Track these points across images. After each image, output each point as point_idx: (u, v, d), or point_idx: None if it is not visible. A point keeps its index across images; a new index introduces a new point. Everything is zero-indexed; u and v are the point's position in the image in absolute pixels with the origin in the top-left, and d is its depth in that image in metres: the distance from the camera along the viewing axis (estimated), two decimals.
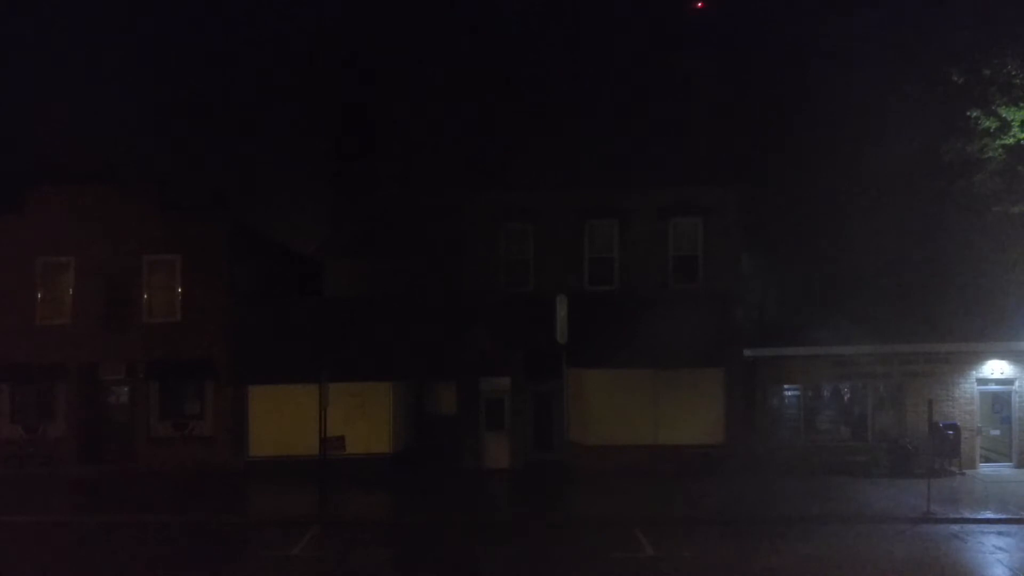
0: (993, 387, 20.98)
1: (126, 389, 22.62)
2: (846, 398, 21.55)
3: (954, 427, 20.18)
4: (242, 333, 21.98)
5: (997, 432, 21.12)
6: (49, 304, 22.35)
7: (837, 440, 21.13)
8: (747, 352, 20.79)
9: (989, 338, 20.61)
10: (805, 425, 21.23)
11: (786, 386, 21.34)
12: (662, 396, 21.14)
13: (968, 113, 19.90)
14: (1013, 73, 19.42)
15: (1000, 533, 15.41)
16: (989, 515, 16.44)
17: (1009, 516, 16.37)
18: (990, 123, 19.77)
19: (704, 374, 21.02)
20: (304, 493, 18.17)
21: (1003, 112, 19.54)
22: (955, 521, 16.08)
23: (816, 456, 20.65)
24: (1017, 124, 19.58)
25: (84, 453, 22.14)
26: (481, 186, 22.20)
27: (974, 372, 20.84)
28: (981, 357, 20.80)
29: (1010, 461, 20.88)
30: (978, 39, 20.30)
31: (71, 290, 22.33)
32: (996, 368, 20.81)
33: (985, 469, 20.70)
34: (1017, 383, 20.85)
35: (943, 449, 19.84)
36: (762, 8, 29.71)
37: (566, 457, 21.04)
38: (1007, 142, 19.77)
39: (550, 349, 20.08)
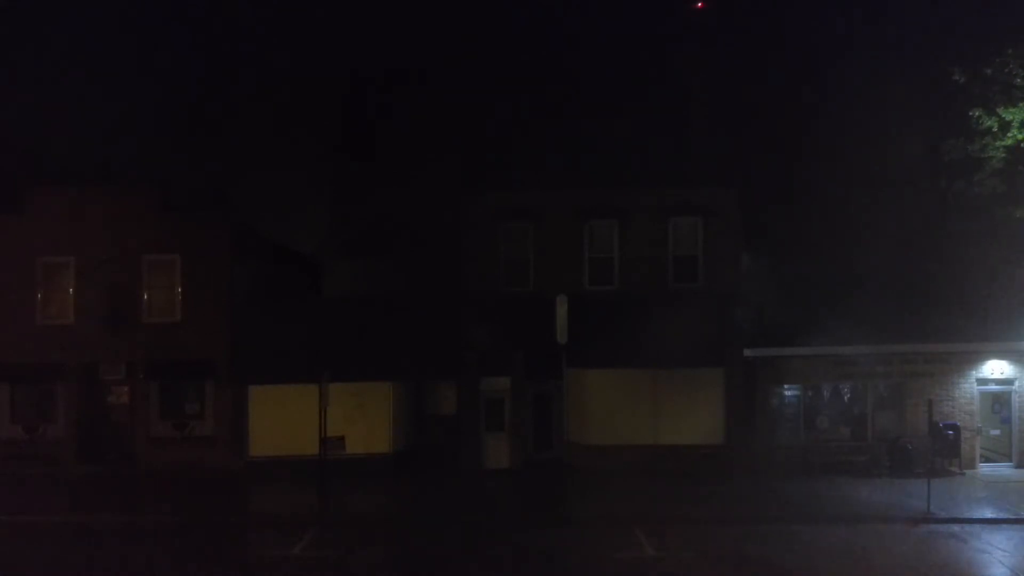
0: (993, 387, 20.96)
1: (126, 389, 22.59)
2: (846, 398, 21.53)
3: (954, 427, 20.16)
4: (242, 333, 21.98)
5: (997, 432, 21.09)
6: (49, 304, 22.35)
7: (837, 440, 21.10)
8: (747, 352, 20.76)
9: (989, 338, 20.59)
10: (805, 425, 21.20)
11: (786, 386, 21.31)
12: (662, 396, 21.13)
13: (969, 113, 19.89)
14: (1014, 73, 19.41)
15: (1000, 533, 15.41)
16: (989, 515, 16.45)
17: (1009, 516, 16.38)
18: (991, 123, 19.76)
19: (704, 374, 20.99)
20: (304, 493, 18.13)
21: (1004, 112, 19.53)
22: (955, 521, 16.06)
23: (816, 456, 20.62)
24: (1017, 124, 19.57)
25: (84, 453, 22.12)
26: (481, 186, 22.19)
27: (974, 372, 20.82)
28: (981, 357, 20.77)
29: (1010, 461, 20.85)
30: (980, 39, 20.30)
31: (71, 290, 22.32)
32: (996, 368, 20.79)
33: (985, 469, 20.68)
34: (1017, 383, 20.83)
35: (943, 449, 19.82)
36: (763, 8, 29.74)
37: (566, 457, 21.01)
38: (1007, 143, 19.76)
39: (550, 349, 20.02)
